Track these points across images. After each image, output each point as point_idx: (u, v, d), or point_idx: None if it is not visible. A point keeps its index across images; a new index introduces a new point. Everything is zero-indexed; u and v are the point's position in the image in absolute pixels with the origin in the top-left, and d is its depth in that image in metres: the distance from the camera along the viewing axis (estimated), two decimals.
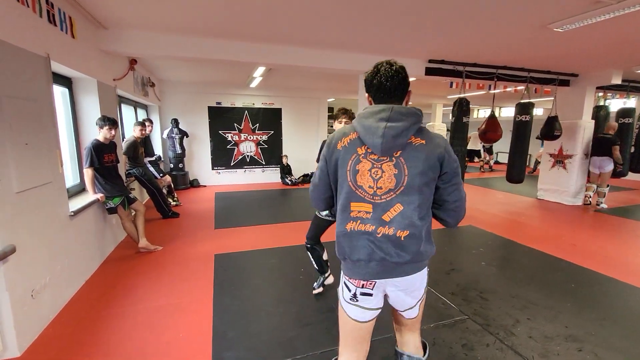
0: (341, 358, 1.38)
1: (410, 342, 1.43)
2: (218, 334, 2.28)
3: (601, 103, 6.67)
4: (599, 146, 5.80)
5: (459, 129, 5.21)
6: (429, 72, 5.10)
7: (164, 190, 5.52)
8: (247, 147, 8.54)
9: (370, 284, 1.24)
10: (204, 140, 8.21)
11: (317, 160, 1.47)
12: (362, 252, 1.21)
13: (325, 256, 2.80)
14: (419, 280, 1.28)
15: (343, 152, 1.23)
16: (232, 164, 8.49)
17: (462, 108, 5.15)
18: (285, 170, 8.45)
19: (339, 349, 1.40)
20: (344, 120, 2.51)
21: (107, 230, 3.74)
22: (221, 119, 8.22)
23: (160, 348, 2.14)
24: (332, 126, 12.30)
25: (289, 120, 8.79)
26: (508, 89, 6.14)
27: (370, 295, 1.26)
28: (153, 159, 5.60)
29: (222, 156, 8.36)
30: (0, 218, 1.90)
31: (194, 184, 8.10)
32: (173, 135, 7.48)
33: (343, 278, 1.33)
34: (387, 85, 1.19)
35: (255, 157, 8.64)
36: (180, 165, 7.69)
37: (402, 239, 1.17)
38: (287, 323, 2.41)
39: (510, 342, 2.20)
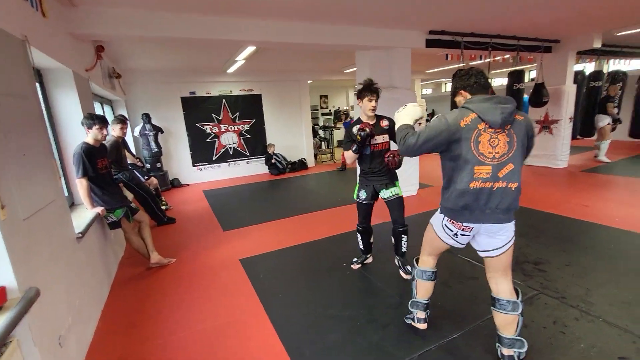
0: (424, 257, 1.98)
1: (505, 289, 1.73)
2: (293, 351, 1.99)
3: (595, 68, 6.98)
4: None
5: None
6: (429, 44, 4.92)
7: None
8: (229, 139, 7.94)
9: (470, 227, 1.67)
10: (180, 135, 7.48)
11: (345, 148, 2.57)
12: (477, 203, 1.60)
13: (372, 239, 2.97)
14: (511, 228, 1.67)
15: (466, 129, 1.56)
16: (214, 159, 7.87)
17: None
18: (272, 159, 8.01)
19: (421, 251, 2.00)
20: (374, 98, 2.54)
21: (109, 248, 3.20)
22: (197, 110, 7.51)
23: None
24: (347, 111, 11.89)
25: (270, 107, 8.27)
26: (497, 58, 6.18)
27: (467, 235, 1.72)
28: (137, 161, 4.93)
29: (203, 151, 7.70)
30: (15, 256, 1.43)
31: (175, 184, 7.41)
32: (146, 132, 6.70)
33: (444, 221, 1.75)
34: (483, 81, 1.65)
35: (239, 148, 8.08)
36: (159, 165, 6.96)
37: (513, 189, 1.58)
38: (363, 327, 2.18)
39: (595, 312, 2.17)
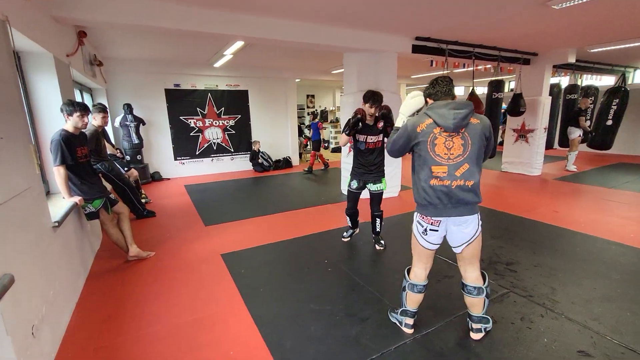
0: (414, 268, 2.04)
1: (472, 276, 1.94)
2: (273, 344, 2.02)
3: (557, 81, 7.33)
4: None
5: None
6: (415, 49, 5.05)
7: None
8: (213, 134, 7.85)
9: (437, 221, 1.82)
10: (162, 127, 7.33)
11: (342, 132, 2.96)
12: (440, 198, 1.76)
13: (357, 218, 3.48)
14: (475, 220, 1.82)
15: (422, 133, 1.75)
16: (197, 153, 7.75)
17: None
18: (257, 157, 7.97)
19: (412, 261, 2.06)
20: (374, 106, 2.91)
21: (85, 240, 3.12)
22: (181, 103, 7.38)
23: None
24: (315, 111, 11.85)
25: (256, 103, 8.23)
26: (479, 67, 6.40)
27: (435, 230, 1.85)
28: (117, 152, 4.81)
29: (186, 145, 7.58)
30: None
31: (156, 178, 7.25)
32: (127, 122, 6.53)
33: (417, 217, 1.92)
34: (445, 89, 1.80)
35: (223, 144, 8.00)
36: (139, 157, 6.80)
37: (470, 186, 1.74)
38: (343, 321, 2.23)
39: (559, 309, 2.31)
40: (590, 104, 7.03)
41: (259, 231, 4.00)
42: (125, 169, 4.92)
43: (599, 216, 4.23)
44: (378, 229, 3.33)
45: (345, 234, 3.62)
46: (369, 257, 3.22)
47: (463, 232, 1.82)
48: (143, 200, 5.09)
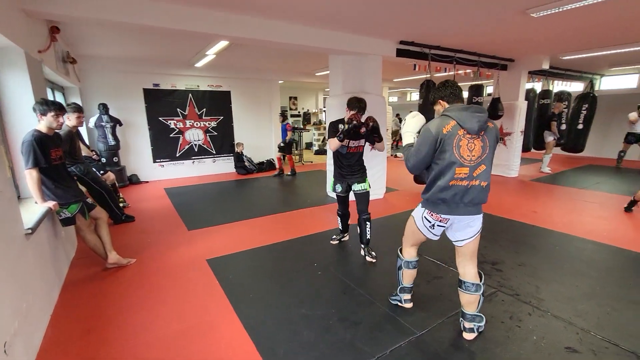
0: (408, 248, 2.21)
1: (471, 272, 1.98)
2: (266, 351, 1.96)
3: (541, 87, 7.62)
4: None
5: (427, 110, 5.39)
6: (400, 53, 5.13)
7: None
8: (194, 135, 7.64)
9: (446, 219, 1.90)
10: (140, 128, 7.06)
11: (330, 137, 2.92)
12: (454, 197, 1.82)
13: (348, 221, 3.49)
14: (480, 219, 1.92)
15: (448, 135, 1.77)
16: (177, 155, 7.51)
17: (429, 90, 5.33)
18: (242, 159, 7.83)
19: (403, 243, 2.23)
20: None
21: (60, 247, 2.93)
22: (160, 103, 7.14)
23: None
24: (285, 111, 11.76)
25: (239, 104, 8.09)
26: (459, 72, 6.58)
27: (443, 226, 1.95)
28: (92, 154, 4.57)
29: (165, 147, 7.33)
30: None
31: (133, 181, 6.97)
32: (103, 123, 6.25)
33: (424, 213, 1.97)
34: (457, 92, 1.89)
35: (205, 146, 7.80)
36: (115, 159, 6.52)
37: (484, 187, 1.83)
38: (335, 325, 2.20)
39: (544, 307, 2.37)
40: (564, 108, 7.37)
41: (244, 235, 3.90)
42: (102, 172, 4.69)
43: (575, 216, 4.43)
44: (368, 236, 3.14)
45: (334, 236, 3.61)
46: (358, 260, 3.21)
47: (469, 229, 1.91)
48: (121, 205, 4.87)
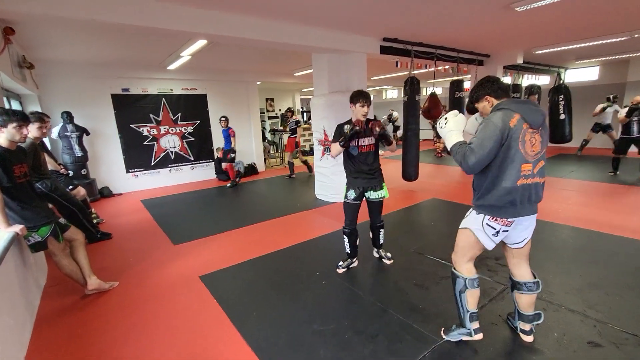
0: (466, 264, 1.92)
1: (528, 272, 1.93)
2: None
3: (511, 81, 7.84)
4: None
5: (411, 107, 5.37)
6: (383, 50, 5.07)
7: None
8: (170, 142, 7.22)
9: (512, 222, 1.75)
10: (110, 137, 6.57)
11: (333, 141, 2.70)
12: (523, 197, 1.71)
13: (357, 242, 2.97)
14: (535, 217, 1.83)
15: (514, 129, 1.64)
16: (152, 164, 7.07)
17: (413, 87, 5.32)
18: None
19: (458, 259, 1.95)
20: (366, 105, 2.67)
21: (30, 276, 2.59)
22: (131, 109, 6.69)
23: None
24: (264, 113, 11.32)
25: (216, 108, 7.74)
26: (439, 68, 6.64)
27: (507, 231, 1.79)
28: (60, 168, 4.15)
29: (139, 155, 6.87)
30: None
31: (105, 194, 6.47)
32: (68, 133, 5.75)
33: (486, 220, 1.77)
34: (504, 86, 1.79)
35: (182, 152, 7.40)
36: (84, 172, 6.01)
37: (542, 183, 1.77)
38: (352, 340, 2.06)
39: (557, 301, 2.36)
40: (536, 101, 7.64)
41: (237, 246, 3.67)
42: (71, 186, 4.28)
43: (561, 205, 4.55)
44: (381, 241, 3.05)
45: (341, 263, 3.00)
46: (363, 265, 3.08)
47: (530, 228, 1.82)
48: (95, 221, 4.47)
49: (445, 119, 1.81)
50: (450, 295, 2.48)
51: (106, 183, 6.59)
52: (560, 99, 7.17)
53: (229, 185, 6.82)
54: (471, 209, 1.86)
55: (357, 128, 2.51)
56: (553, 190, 5.32)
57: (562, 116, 7.25)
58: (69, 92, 6.00)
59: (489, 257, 3.07)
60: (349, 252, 2.97)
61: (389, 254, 3.11)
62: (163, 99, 7.01)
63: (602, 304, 2.31)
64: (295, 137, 7.47)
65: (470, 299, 1.90)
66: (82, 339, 2.20)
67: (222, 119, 6.52)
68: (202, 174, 7.74)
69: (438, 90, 13.67)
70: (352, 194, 2.80)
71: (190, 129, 7.45)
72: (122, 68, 6.34)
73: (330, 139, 5.05)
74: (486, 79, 1.81)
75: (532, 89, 7.75)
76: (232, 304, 2.52)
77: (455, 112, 1.83)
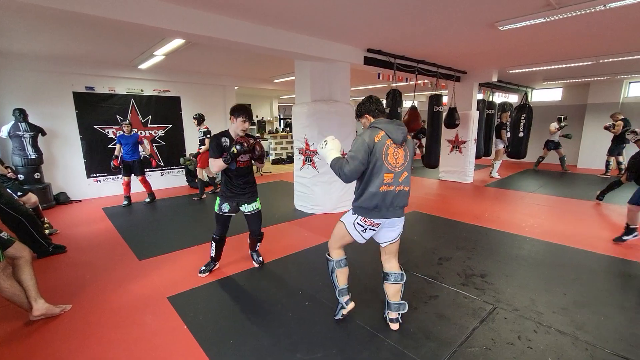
0: (336, 250, 2.26)
1: (395, 265, 2.22)
2: None
3: (483, 98, 8.12)
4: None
5: (393, 117, 5.36)
6: (367, 61, 5.03)
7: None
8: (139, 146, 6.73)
9: (378, 223, 2.06)
10: (70, 138, 6.02)
11: (213, 156, 2.73)
12: (385, 202, 2.01)
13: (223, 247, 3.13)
14: (403, 221, 2.16)
15: (379, 143, 1.97)
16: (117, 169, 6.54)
17: (395, 99, 5.32)
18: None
19: (331, 246, 2.27)
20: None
21: None
22: (96, 109, 6.18)
23: None
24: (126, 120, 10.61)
25: (191, 112, 7.31)
26: (419, 82, 6.73)
27: (374, 230, 2.11)
28: (8, 172, 3.68)
29: (102, 159, 6.33)
30: None
31: (61, 200, 5.89)
32: (20, 132, 5.20)
33: (357, 220, 2.09)
34: (381, 108, 2.15)
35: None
36: (37, 176, 5.46)
37: (406, 191, 2.08)
38: None
39: (546, 322, 2.31)
40: (509, 117, 7.97)
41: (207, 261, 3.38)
42: (19, 193, 3.80)
43: (536, 220, 4.66)
44: (257, 247, 3.30)
45: (204, 268, 3.09)
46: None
47: (394, 231, 2.13)
48: (47, 232, 3.99)
49: (325, 141, 2.11)
50: (440, 315, 2.40)
51: (63, 188, 6.00)
52: (523, 118, 7.55)
53: (125, 203, 5.73)
54: (350, 208, 2.16)
55: (246, 146, 2.57)
56: (527, 205, 5.47)
57: (521, 134, 7.63)
58: (23, 88, 5.44)
59: (475, 275, 3.02)
60: (214, 255, 3.10)
61: (260, 258, 3.31)
62: (132, 99, 6.56)
63: (590, 323, 2.29)
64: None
65: (340, 277, 2.26)
66: None
67: (125, 123, 5.54)
68: (172, 180, 7.30)
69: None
70: (226, 207, 2.91)
71: (161, 132, 7.02)
72: (88, 64, 5.87)
73: (312, 148, 4.91)
74: (368, 99, 2.14)
75: (505, 107, 8.09)
76: (205, 329, 2.26)
77: (332, 136, 2.14)
